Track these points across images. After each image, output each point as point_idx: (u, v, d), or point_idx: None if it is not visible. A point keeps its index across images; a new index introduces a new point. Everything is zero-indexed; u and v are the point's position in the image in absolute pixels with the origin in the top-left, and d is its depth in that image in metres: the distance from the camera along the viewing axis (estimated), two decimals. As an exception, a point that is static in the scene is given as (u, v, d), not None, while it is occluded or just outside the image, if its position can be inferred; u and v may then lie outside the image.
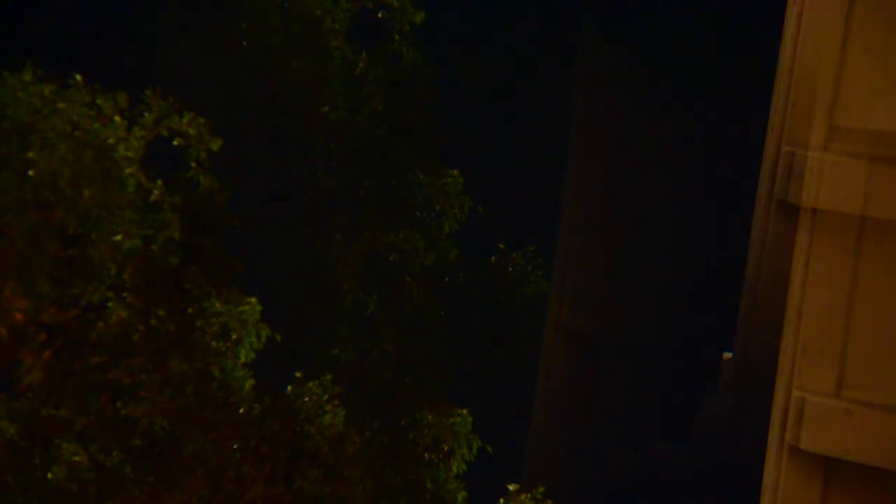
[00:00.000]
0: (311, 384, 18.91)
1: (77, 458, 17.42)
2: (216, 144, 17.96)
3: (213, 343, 17.86)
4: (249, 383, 18.19)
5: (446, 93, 31.25)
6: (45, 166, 16.60)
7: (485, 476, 25.30)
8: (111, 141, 16.92)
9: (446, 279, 29.82)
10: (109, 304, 17.37)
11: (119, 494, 17.28)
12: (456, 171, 29.02)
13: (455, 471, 23.54)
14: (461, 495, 23.33)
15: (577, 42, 32.98)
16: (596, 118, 32.27)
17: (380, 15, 28.75)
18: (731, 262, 28.63)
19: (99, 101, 17.11)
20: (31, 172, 16.64)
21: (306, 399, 18.73)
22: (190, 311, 17.57)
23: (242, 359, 18.05)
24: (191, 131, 17.75)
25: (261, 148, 28.82)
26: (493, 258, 31.69)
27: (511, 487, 23.51)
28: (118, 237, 16.95)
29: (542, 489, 23.26)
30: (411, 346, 27.92)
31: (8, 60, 17.59)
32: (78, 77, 17.22)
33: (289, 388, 18.92)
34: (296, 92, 28.68)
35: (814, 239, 12.51)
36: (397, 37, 28.70)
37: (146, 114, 17.49)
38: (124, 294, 17.39)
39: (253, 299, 18.12)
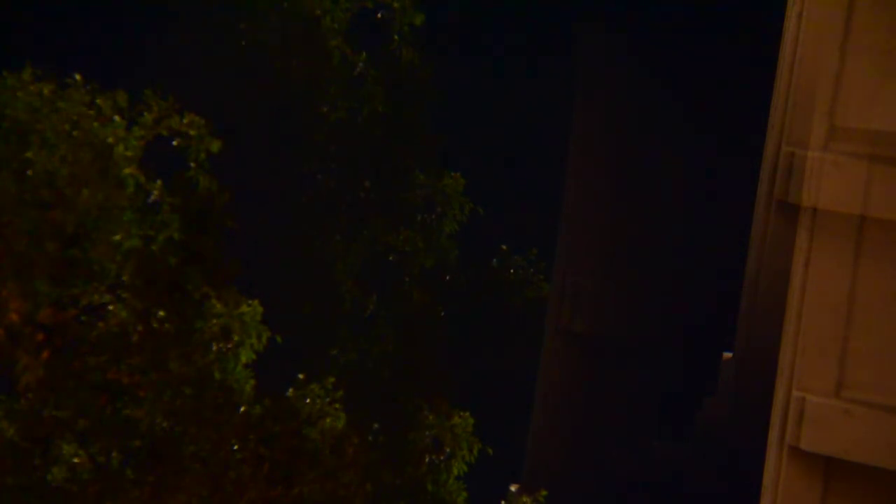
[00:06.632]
0: (313, 386, 18.90)
1: (77, 459, 17.40)
2: (216, 146, 17.95)
3: (214, 344, 17.85)
4: (250, 384, 18.17)
5: (446, 93, 31.24)
6: (43, 166, 16.59)
7: (485, 477, 25.30)
8: (110, 141, 16.92)
9: (447, 277, 29.83)
10: (109, 305, 17.35)
11: (119, 495, 17.27)
12: (458, 174, 29.04)
13: (456, 472, 23.54)
14: (462, 496, 23.33)
15: (577, 41, 32.97)
16: (596, 118, 32.25)
17: (379, 15, 28.75)
18: (731, 262, 28.61)
19: (98, 101, 17.10)
20: (29, 172, 16.63)
21: (307, 401, 18.72)
22: (189, 311, 17.56)
23: (243, 360, 18.04)
24: (191, 132, 17.74)
25: (260, 148, 28.80)
26: (494, 261, 31.70)
27: (513, 488, 23.55)
28: (118, 237, 16.94)
29: (544, 493, 23.27)
30: (411, 347, 27.90)
31: (8, 60, 17.57)
32: (77, 77, 17.21)
33: (290, 390, 18.91)
34: (295, 92, 28.67)
35: (814, 239, 12.49)
36: (396, 37, 28.70)
37: (146, 114, 17.47)
38: (124, 294, 17.37)
39: (255, 301, 18.10)
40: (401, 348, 27.80)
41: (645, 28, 31.52)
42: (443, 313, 29.48)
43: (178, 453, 17.33)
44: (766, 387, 14.61)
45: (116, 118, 17.10)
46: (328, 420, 18.69)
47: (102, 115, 17.02)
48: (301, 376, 19.16)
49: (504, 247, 32.34)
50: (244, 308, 17.94)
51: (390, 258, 28.81)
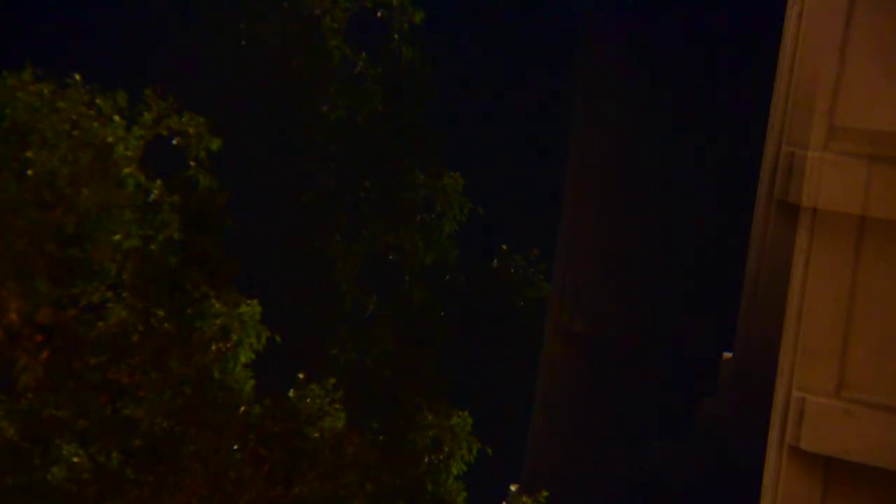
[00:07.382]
0: (313, 386, 18.89)
1: (77, 459, 17.39)
2: (216, 144, 17.94)
3: (213, 344, 17.84)
4: (249, 384, 18.17)
5: (446, 93, 31.24)
6: (43, 166, 16.58)
7: (485, 477, 25.28)
8: (110, 140, 16.91)
9: (447, 277, 29.84)
10: (109, 305, 17.34)
11: (119, 495, 17.26)
12: (457, 174, 29.04)
13: (455, 472, 23.52)
14: (461, 496, 23.31)
15: (577, 42, 32.97)
16: (596, 118, 32.25)
17: (379, 14, 28.74)
18: (731, 262, 28.61)
19: (98, 101, 17.09)
20: (29, 172, 16.62)
21: (307, 401, 18.71)
22: (189, 311, 17.55)
23: (243, 359, 18.03)
24: (190, 130, 17.73)
25: (260, 147, 28.80)
26: (494, 261, 31.70)
27: (513, 488, 23.53)
28: (118, 237, 16.93)
29: (545, 493, 23.25)
30: (411, 347, 27.90)
31: (8, 60, 17.56)
32: (77, 77, 17.20)
33: (291, 390, 18.90)
34: (295, 92, 28.67)
35: (814, 239, 12.48)
36: (396, 36, 28.70)
37: (145, 113, 17.46)
38: (124, 294, 17.36)
39: (254, 301, 18.09)
40: (401, 348, 27.80)
41: (644, 28, 31.52)
42: (443, 313, 29.48)
43: (178, 453, 17.33)
44: (766, 387, 14.60)
45: (116, 118, 17.09)
46: (328, 420, 18.68)
47: (102, 115, 17.01)
48: (301, 376, 19.15)
49: (504, 247, 32.34)
50: (244, 308, 17.94)
51: (390, 258, 28.81)
